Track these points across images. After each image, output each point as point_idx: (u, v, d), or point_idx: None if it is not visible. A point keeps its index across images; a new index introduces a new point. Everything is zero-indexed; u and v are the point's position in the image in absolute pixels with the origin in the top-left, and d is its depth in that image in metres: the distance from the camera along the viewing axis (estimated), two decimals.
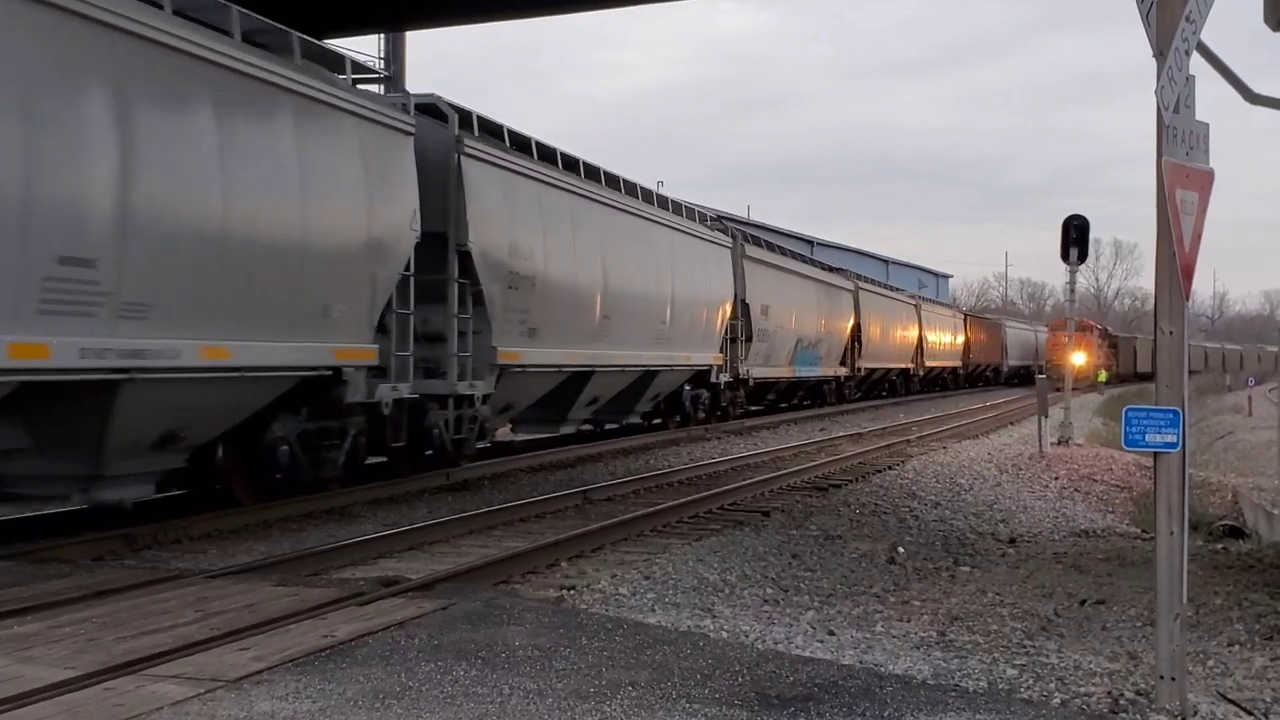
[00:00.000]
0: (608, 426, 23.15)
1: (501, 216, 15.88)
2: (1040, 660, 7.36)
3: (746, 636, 7.67)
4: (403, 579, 8.47)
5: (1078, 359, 34.91)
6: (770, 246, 32.48)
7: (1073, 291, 28.35)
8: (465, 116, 15.53)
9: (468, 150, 15.08)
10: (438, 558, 10.47)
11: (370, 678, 5.71)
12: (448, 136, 14.90)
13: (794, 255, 35.41)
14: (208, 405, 11.10)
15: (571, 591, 9.00)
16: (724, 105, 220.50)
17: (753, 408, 30.65)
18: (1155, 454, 6.23)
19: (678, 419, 25.30)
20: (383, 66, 21.29)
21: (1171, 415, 6.11)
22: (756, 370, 28.72)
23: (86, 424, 9.88)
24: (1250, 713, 6.45)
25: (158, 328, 10.05)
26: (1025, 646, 7.80)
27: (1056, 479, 19.59)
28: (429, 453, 15.23)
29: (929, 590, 9.74)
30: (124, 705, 5.26)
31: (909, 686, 6.04)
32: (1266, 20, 10.71)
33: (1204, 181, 6.37)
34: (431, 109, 14.92)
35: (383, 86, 16.25)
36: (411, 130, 13.80)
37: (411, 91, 15.18)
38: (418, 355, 14.15)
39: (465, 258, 14.99)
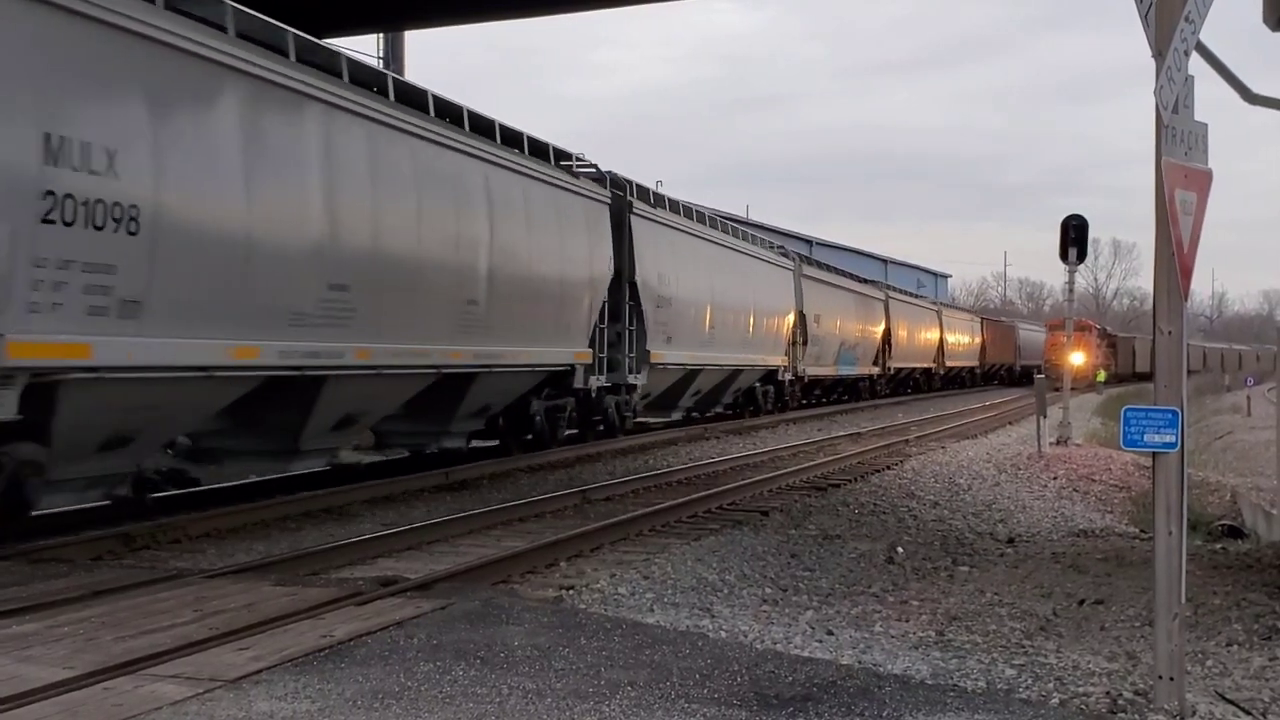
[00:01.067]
0: (691, 415, 27.97)
1: (652, 255, 21.95)
2: (1039, 660, 7.36)
3: (745, 636, 7.67)
4: (401, 579, 8.47)
5: (1076, 359, 35.44)
6: (820, 265, 38.97)
7: (1071, 291, 28.37)
8: (631, 185, 21.60)
9: (635, 210, 21.24)
10: (436, 557, 10.47)
11: (369, 678, 5.71)
12: (622, 201, 20.84)
13: (838, 271, 41.30)
14: (507, 388, 17.27)
15: (570, 591, 9.00)
16: (719, 105, 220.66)
17: (803, 401, 35.70)
18: (1154, 454, 6.23)
19: (751, 409, 30.69)
20: (382, 65, 21.33)
21: (1170, 415, 6.11)
22: (810, 369, 34.25)
23: (450, 398, 15.67)
24: (1249, 713, 6.46)
25: (500, 340, 16.06)
26: (1024, 646, 7.80)
27: (1055, 479, 19.59)
28: (601, 427, 21.32)
29: (927, 590, 9.74)
30: (123, 705, 5.26)
31: (907, 686, 6.04)
32: (1265, 20, 10.72)
33: (1203, 182, 6.37)
34: (612, 180, 20.78)
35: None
36: (608, 201, 20.09)
37: (592, 165, 20.48)
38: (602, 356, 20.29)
39: (633, 286, 21.11)
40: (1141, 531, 13.91)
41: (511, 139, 16.78)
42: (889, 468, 19.56)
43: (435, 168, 14.48)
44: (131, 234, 9.71)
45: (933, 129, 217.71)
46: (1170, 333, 6.19)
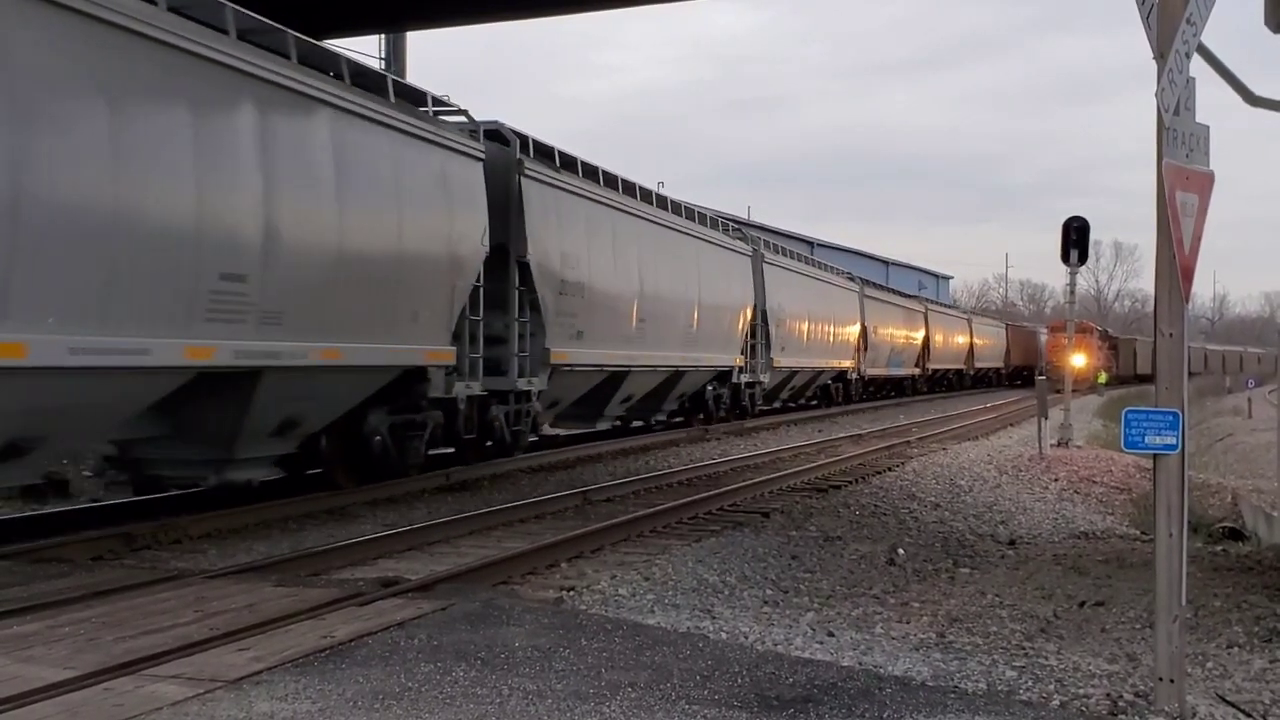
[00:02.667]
0: (791, 403, 36.46)
1: (775, 290, 30.48)
2: (1039, 662, 7.36)
3: (746, 638, 7.67)
4: (402, 579, 8.47)
5: (1078, 361, 36.03)
6: (877, 285, 48.48)
7: (1073, 293, 28.37)
8: (761, 240, 31.98)
9: (766, 260, 30.36)
10: (437, 558, 10.47)
11: (369, 678, 5.71)
12: (759, 253, 30.08)
13: (889, 289, 52.13)
14: (697, 380, 25.71)
15: (571, 592, 9.00)
16: (719, 105, 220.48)
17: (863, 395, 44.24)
18: (1155, 456, 6.23)
19: (825, 402, 39.28)
20: (383, 66, 21.34)
21: (1171, 417, 6.11)
22: (869, 370, 43.03)
23: (669, 387, 23.81)
24: (1249, 715, 6.46)
25: (701, 349, 24.76)
26: (1024, 648, 7.81)
27: (1056, 481, 19.58)
28: (737, 409, 28.79)
29: (928, 592, 9.75)
30: (123, 705, 5.26)
31: (908, 688, 6.04)
32: (1267, 22, 10.71)
33: (1204, 184, 6.38)
34: (750, 237, 30.46)
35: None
36: (750, 254, 29.06)
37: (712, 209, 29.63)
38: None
39: (764, 314, 29.49)
40: (1142, 533, 13.90)
41: (701, 218, 25.78)
42: (890, 469, 19.57)
43: (680, 248, 23.54)
44: (582, 298, 18.56)
45: (933, 130, 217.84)
46: (1171, 335, 6.19)
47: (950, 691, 6.22)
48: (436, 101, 15.41)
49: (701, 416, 27.06)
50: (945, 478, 18.71)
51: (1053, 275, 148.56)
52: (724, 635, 7.66)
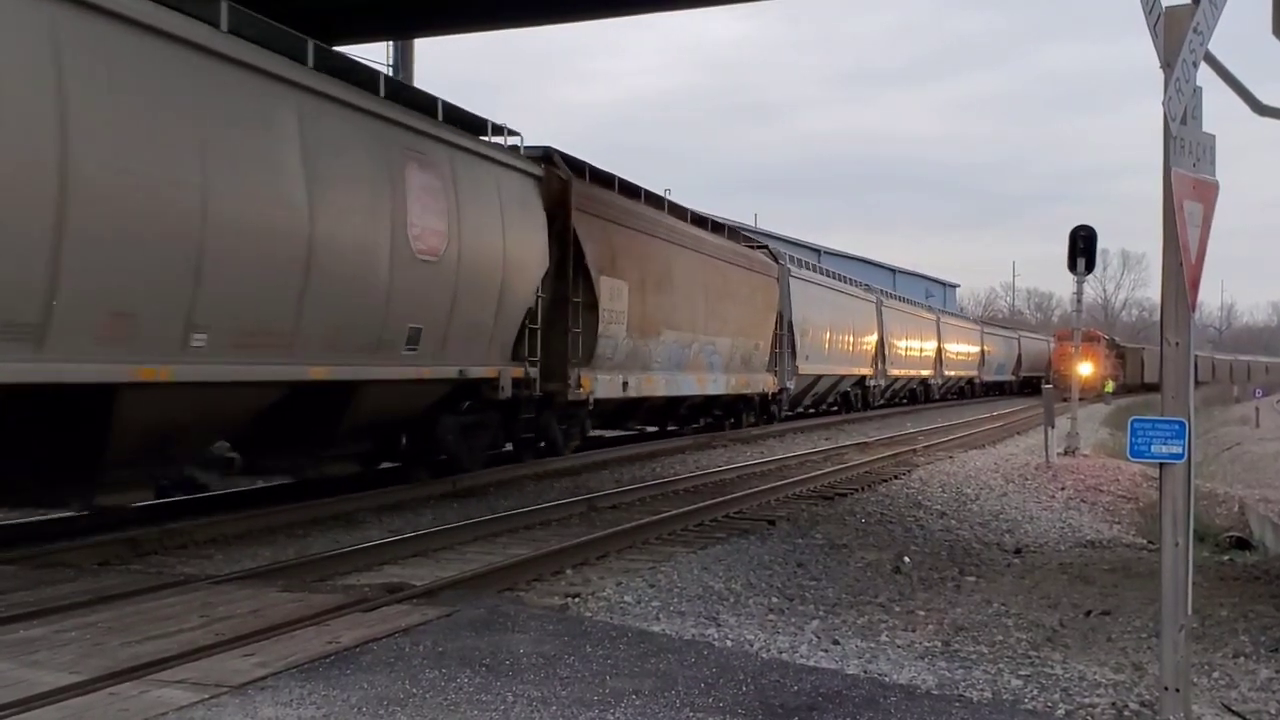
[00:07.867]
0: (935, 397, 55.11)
1: (891, 325, 43.70)
2: (1045, 671, 7.35)
3: (751, 645, 7.67)
4: (407, 585, 8.48)
5: (1084, 369, 36.38)
6: (994, 323, 76.22)
7: (1079, 302, 28.33)
8: (880, 290, 47.95)
9: (885, 305, 44.12)
10: (443, 564, 10.48)
11: (374, 684, 5.72)
12: (880, 300, 44.09)
13: (999, 324, 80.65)
14: (836, 384, 39.50)
15: (576, 599, 9.00)
16: (720, 113, 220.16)
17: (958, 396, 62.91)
18: (1160, 465, 6.22)
19: (960, 395, 59.82)
20: (391, 72, 21.42)
21: (1177, 426, 6.10)
22: (985, 378, 65.59)
23: (833, 387, 39.29)
24: None
25: (852, 364, 39.40)
26: (1030, 657, 7.79)
27: (1063, 489, 19.55)
28: (864, 404, 42.20)
29: (934, 600, 9.74)
30: (129, 710, 5.27)
31: (913, 696, 6.04)
32: (1275, 31, 10.69)
33: (1210, 193, 6.37)
34: (870, 288, 45.83)
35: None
36: (874, 301, 42.50)
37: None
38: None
39: (880, 343, 42.48)
40: (1149, 542, 13.87)
41: (839, 276, 38.61)
42: (896, 477, 19.54)
43: (847, 301, 37.54)
44: (808, 337, 33.90)
45: (935, 137, 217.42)
46: (1177, 344, 6.18)
47: (955, 700, 6.22)
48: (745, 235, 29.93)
49: (836, 408, 40.16)
50: (952, 486, 18.69)
51: (1060, 283, 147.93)
52: (729, 643, 7.66)
